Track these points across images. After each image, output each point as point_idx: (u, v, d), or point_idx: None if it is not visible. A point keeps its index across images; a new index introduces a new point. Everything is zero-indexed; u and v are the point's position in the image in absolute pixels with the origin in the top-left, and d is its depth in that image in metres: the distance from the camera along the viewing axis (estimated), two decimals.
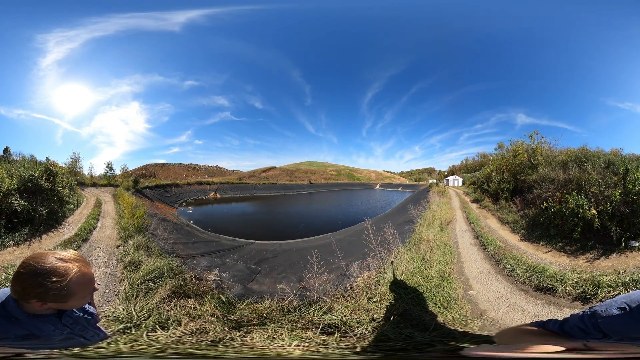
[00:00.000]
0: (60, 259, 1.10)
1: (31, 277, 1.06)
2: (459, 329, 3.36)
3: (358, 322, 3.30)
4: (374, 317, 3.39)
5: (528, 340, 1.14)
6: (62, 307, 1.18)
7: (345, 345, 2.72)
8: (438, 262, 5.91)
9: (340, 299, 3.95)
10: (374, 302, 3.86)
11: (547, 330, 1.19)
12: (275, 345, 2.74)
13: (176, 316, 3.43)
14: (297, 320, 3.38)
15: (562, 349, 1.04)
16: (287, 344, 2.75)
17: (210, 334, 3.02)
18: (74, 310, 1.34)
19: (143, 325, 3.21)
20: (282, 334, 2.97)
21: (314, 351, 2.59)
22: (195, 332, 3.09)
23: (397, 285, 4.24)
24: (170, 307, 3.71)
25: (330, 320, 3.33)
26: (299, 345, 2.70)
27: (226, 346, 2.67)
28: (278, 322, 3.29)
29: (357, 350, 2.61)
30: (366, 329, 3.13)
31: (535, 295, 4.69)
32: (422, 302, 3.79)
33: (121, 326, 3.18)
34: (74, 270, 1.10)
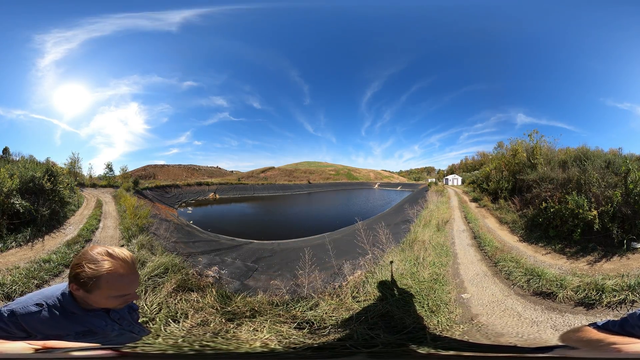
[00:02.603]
0: (110, 255, 1.15)
1: (79, 259, 1.16)
2: (435, 334, 3.28)
3: (335, 320, 3.33)
4: (352, 316, 3.39)
5: (608, 342, 1.10)
6: (87, 298, 1.18)
7: (301, 341, 2.78)
8: (432, 264, 5.78)
9: (327, 297, 3.98)
10: (358, 301, 3.86)
11: (610, 331, 1.15)
12: (253, 337, 2.81)
13: (183, 309, 3.59)
14: (282, 314, 3.48)
15: None
16: (263, 336, 2.83)
17: (212, 325, 3.15)
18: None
19: (157, 319, 3.31)
20: (264, 327, 3.05)
21: (267, 344, 2.66)
22: (200, 324, 3.23)
23: (385, 286, 4.18)
24: (176, 301, 3.85)
25: (311, 316, 3.39)
26: (267, 339, 2.77)
27: (223, 338, 2.78)
28: (265, 315, 3.40)
29: (300, 346, 2.66)
30: (337, 327, 3.15)
31: (534, 300, 4.51)
32: (408, 305, 3.72)
33: (139, 321, 3.26)
34: (107, 266, 1.13)
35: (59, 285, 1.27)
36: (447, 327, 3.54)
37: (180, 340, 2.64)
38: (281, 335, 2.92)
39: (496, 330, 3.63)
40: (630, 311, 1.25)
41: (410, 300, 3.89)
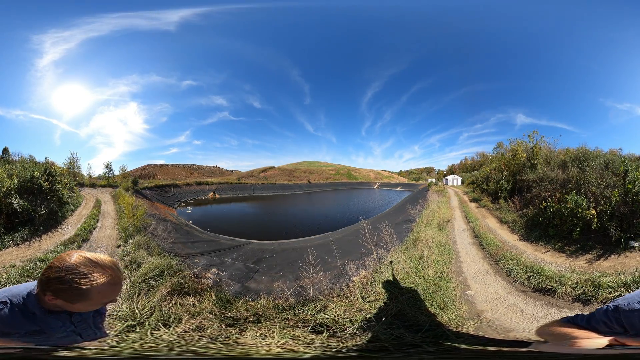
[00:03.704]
0: (95, 264, 1.09)
1: (60, 272, 1.06)
2: (454, 330, 3.32)
3: (350, 321, 3.29)
4: (366, 317, 3.36)
5: (571, 336, 1.13)
6: (68, 307, 1.14)
7: (328, 345, 2.72)
8: (436, 262, 5.86)
9: (335, 298, 3.94)
10: (368, 302, 3.84)
11: (578, 326, 1.19)
12: (264, 343, 2.75)
13: (177, 314, 3.49)
14: (290, 318, 3.41)
15: (606, 342, 1.02)
16: (276, 342, 2.76)
17: (209, 331, 3.05)
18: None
19: (147, 323, 3.23)
20: (273, 332, 2.98)
21: (293, 350, 2.60)
22: (195, 329, 3.12)
23: (392, 286, 4.20)
24: (171, 305, 3.74)
25: (322, 319, 3.34)
26: (284, 344, 2.71)
27: (222, 344, 2.70)
28: (272, 320, 3.32)
29: (338, 349, 2.61)
30: (357, 329, 3.11)
31: (534, 296, 4.63)
32: (418, 303, 3.75)
33: (125, 324, 3.19)
34: (101, 279, 1.08)
35: (28, 284, 1.24)
36: (460, 324, 3.60)
37: (162, 345, 2.53)
38: (299, 340, 2.85)
39: (504, 326, 3.73)
40: (599, 306, 1.26)
41: (418, 298, 3.93)
